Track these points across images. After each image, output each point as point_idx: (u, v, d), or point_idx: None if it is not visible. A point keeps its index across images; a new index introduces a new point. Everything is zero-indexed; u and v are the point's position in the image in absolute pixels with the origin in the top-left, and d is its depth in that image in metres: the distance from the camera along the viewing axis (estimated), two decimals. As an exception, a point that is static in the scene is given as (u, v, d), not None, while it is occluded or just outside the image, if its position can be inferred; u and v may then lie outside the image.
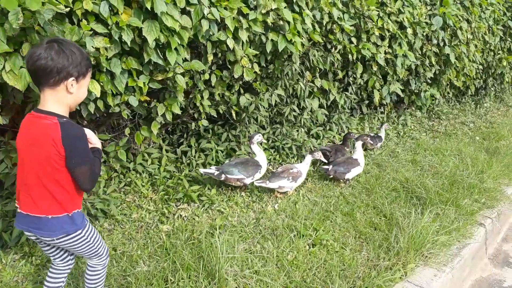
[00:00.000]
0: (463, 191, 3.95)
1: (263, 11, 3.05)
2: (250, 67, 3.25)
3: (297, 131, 4.47)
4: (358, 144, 4.12)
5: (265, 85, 3.81)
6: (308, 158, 3.72)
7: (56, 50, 1.60)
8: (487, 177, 4.26)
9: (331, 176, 3.92)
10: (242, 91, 3.71)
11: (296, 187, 3.83)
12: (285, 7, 3.18)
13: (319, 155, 3.74)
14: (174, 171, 3.79)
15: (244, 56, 3.17)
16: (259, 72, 3.37)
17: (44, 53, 1.58)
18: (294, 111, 4.25)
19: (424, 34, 4.92)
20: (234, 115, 3.68)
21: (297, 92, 4.01)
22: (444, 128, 6.28)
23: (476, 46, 6.31)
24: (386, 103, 5.59)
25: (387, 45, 4.58)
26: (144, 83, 2.80)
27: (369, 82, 4.69)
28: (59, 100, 1.66)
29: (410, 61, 4.69)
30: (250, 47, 3.31)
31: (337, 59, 4.21)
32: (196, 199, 3.44)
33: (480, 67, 6.85)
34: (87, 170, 1.71)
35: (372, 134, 4.91)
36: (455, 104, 7.62)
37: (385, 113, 5.72)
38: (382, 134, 4.93)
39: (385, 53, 4.61)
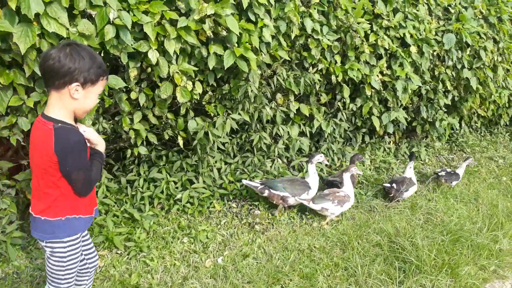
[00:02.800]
0: (468, 252, 3.05)
1: (196, 17, 2.39)
2: (186, 86, 2.60)
3: (272, 161, 3.74)
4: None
5: (223, 107, 3.13)
6: (347, 177, 3.32)
7: (65, 52, 1.56)
8: (503, 235, 3.32)
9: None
10: (193, 113, 3.06)
11: (257, 235, 3.11)
12: (230, 14, 2.50)
13: (355, 170, 3.38)
14: (112, 205, 3.17)
15: (177, 72, 2.51)
16: (198, 92, 2.70)
17: (54, 54, 1.55)
18: (266, 138, 3.53)
19: (435, 53, 4.06)
20: (180, 142, 3.02)
21: (262, 118, 3.29)
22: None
23: (508, 70, 5.32)
24: (392, 132, 4.73)
25: (385, 65, 3.78)
26: (36, 102, 2.21)
27: (364, 108, 3.88)
28: (63, 104, 1.61)
29: (415, 85, 3.85)
30: (190, 62, 2.66)
31: (318, 80, 3.46)
32: (120, 244, 2.79)
33: (514, 94, 5.81)
34: (81, 176, 1.65)
35: (448, 170, 4.19)
36: (485, 135, 6.56)
37: (391, 143, 4.85)
38: (461, 171, 4.20)
39: (383, 74, 3.80)
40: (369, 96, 3.83)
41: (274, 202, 3.29)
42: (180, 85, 2.54)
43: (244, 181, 3.22)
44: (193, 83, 2.66)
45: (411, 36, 3.78)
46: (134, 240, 2.84)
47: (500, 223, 3.48)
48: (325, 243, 3.10)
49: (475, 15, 4.35)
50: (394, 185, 3.68)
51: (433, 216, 3.56)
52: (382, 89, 3.80)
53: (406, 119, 4.76)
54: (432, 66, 4.22)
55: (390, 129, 4.29)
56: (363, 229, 3.28)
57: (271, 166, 3.64)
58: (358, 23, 3.39)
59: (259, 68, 3.00)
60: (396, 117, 4.06)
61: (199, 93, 2.73)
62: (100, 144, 1.79)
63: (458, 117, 5.24)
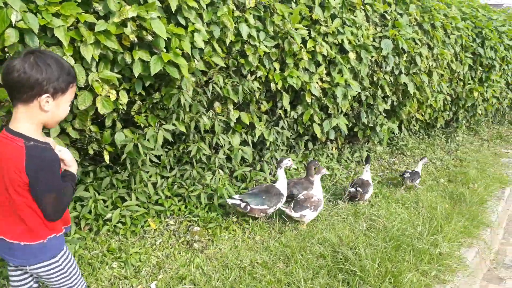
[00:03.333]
0: (410, 258, 3.03)
1: (117, 20, 2.16)
2: (109, 95, 2.35)
3: (213, 173, 3.55)
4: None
5: (156, 118, 2.91)
6: (317, 180, 3.40)
7: (30, 62, 1.43)
8: (443, 238, 3.34)
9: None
10: (120, 125, 2.80)
11: (196, 253, 2.90)
12: (157, 17, 2.29)
13: (325, 171, 3.48)
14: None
15: (97, 80, 2.26)
16: (124, 102, 2.46)
17: (18, 65, 1.42)
18: (205, 149, 3.33)
19: (373, 59, 4.08)
20: (106, 157, 2.75)
21: (199, 127, 3.09)
22: (406, 166, 5.39)
23: (442, 75, 5.51)
24: (334, 138, 4.71)
25: (325, 72, 3.72)
26: None
27: (305, 115, 3.80)
28: (31, 117, 1.48)
29: (354, 91, 3.83)
30: (113, 69, 2.42)
31: (258, 88, 3.33)
32: None
33: (449, 98, 6.04)
34: (53, 198, 1.51)
35: (409, 170, 4.40)
36: (423, 138, 6.77)
37: (333, 149, 4.83)
38: (419, 169, 4.45)
39: (322, 81, 3.74)
40: (309, 103, 3.75)
41: (255, 216, 3.26)
42: (101, 94, 2.29)
43: (229, 200, 3.15)
44: (118, 92, 2.42)
45: (350, 42, 3.75)
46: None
47: (439, 226, 3.52)
48: (268, 257, 2.95)
49: (410, 21, 4.44)
50: (358, 188, 3.79)
51: (376, 222, 3.53)
52: (322, 96, 3.73)
53: (347, 125, 4.77)
54: (371, 72, 4.24)
55: (332, 136, 4.26)
56: (307, 239, 3.18)
57: (211, 179, 3.44)
58: (296, 29, 3.30)
59: (193, 75, 2.81)
60: (337, 124, 4.02)
61: (125, 103, 2.49)
62: (73, 166, 1.68)
63: (398, 121, 5.34)
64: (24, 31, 1.94)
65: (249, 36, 2.97)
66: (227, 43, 2.82)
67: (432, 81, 5.02)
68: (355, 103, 4.47)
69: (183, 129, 2.99)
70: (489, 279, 3.48)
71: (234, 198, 3.17)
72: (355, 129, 4.92)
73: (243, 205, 3.15)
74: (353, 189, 3.81)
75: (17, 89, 1.44)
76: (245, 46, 2.99)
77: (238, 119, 3.44)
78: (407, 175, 4.34)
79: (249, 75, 3.20)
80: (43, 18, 1.99)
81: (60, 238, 1.67)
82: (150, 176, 3.30)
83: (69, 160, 1.65)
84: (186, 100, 2.73)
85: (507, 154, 6.76)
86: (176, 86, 2.78)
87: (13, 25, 1.89)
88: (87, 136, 2.69)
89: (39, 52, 1.47)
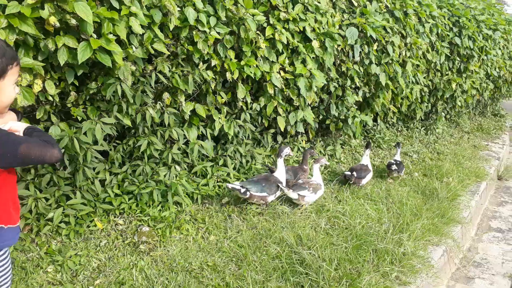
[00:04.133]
0: (372, 259, 2.86)
1: (31, 2, 1.93)
2: (33, 85, 2.13)
3: (169, 168, 3.34)
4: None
5: (96, 110, 2.68)
6: (316, 168, 3.56)
7: None
8: (409, 236, 3.17)
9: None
10: (56, 119, 2.58)
11: (141, 256, 2.70)
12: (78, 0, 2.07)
13: (324, 161, 3.63)
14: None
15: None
16: (52, 94, 2.23)
17: None
18: (156, 144, 3.12)
19: (339, 48, 3.88)
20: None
21: (146, 120, 2.87)
22: (381, 160, 5.23)
23: (418, 65, 5.33)
24: (304, 131, 4.52)
25: (287, 62, 3.52)
26: None
27: (268, 107, 3.60)
28: None
29: (319, 82, 3.63)
30: (37, 57, 2.19)
31: (213, 78, 3.12)
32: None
33: (426, 89, 5.87)
34: (26, 146, 1.42)
35: (392, 161, 4.35)
36: (402, 130, 6.61)
37: (304, 142, 4.63)
38: (398, 157, 4.43)
39: (285, 71, 3.54)
40: (272, 95, 3.55)
41: (254, 202, 3.27)
42: (20, 84, 2.06)
43: (229, 185, 3.15)
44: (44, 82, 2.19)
45: (314, 30, 3.55)
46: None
47: (405, 223, 3.35)
48: (220, 259, 2.75)
49: (380, 8, 4.24)
50: (354, 173, 3.90)
51: (339, 219, 3.35)
52: (284, 87, 3.53)
53: (317, 117, 4.58)
54: (339, 62, 4.05)
55: (300, 129, 4.06)
56: (264, 239, 2.99)
57: (165, 175, 3.23)
58: (253, 15, 3.08)
59: (135, 63, 2.59)
60: (303, 117, 3.82)
61: (53, 94, 2.27)
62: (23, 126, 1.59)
63: (372, 113, 5.16)
64: None
65: (198, 21, 2.75)
66: (171, 28, 2.59)
67: (406, 71, 4.84)
68: (324, 94, 4.27)
69: (127, 122, 2.77)
70: (457, 278, 3.33)
71: (234, 184, 3.17)
72: (327, 122, 4.73)
73: (243, 190, 3.14)
74: (348, 173, 3.92)
75: None
76: (193, 32, 2.77)
77: (193, 111, 3.23)
78: (394, 167, 4.27)
79: (201, 63, 2.98)
80: None
81: (14, 230, 1.62)
82: (98, 173, 3.08)
83: (19, 126, 1.57)
84: (124, 90, 2.51)
85: (486, 147, 6.63)
86: (116, 76, 2.55)
87: None
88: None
89: None
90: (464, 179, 4.70)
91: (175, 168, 3.36)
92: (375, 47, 4.18)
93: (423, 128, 6.82)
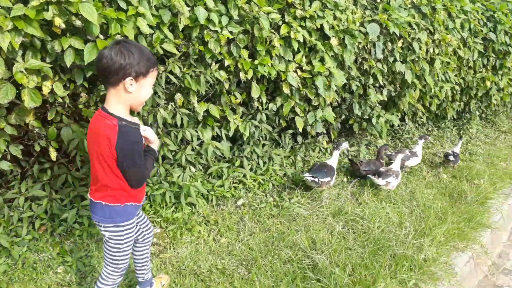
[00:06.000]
0: (389, 265, 2.71)
1: (36, 4, 1.94)
2: (42, 87, 2.14)
3: (184, 170, 3.31)
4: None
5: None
6: (399, 158, 3.90)
7: (115, 50, 1.64)
8: (431, 241, 2.99)
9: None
10: (67, 120, 2.59)
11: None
12: (86, 0, 2.06)
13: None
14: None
15: (21, 71, 2.05)
16: (61, 96, 2.24)
17: (107, 53, 1.64)
18: (169, 145, 3.09)
19: (360, 46, 3.72)
20: (52, 154, 2.55)
21: (157, 120, 2.85)
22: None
23: (448, 63, 5.06)
24: (326, 132, 4.39)
25: (305, 60, 3.40)
26: None
27: (284, 107, 3.50)
28: (120, 99, 1.71)
29: (339, 81, 3.49)
30: (45, 59, 2.20)
31: (227, 78, 3.06)
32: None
33: (457, 87, 5.57)
34: (136, 172, 1.75)
35: (450, 152, 4.56)
36: (432, 130, 6.32)
37: (325, 142, 4.49)
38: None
39: (302, 70, 3.43)
40: (288, 95, 3.45)
41: (323, 188, 3.60)
42: (27, 86, 2.08)
43: (307, 177, 3.47)
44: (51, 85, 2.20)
45: (332, 27, 3.42)
46: None
47: (427, 227, 3.17)
48: (230, 262, 2.69)
49: (405, 4, 4.04)
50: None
51: (358, 223, 3.21)
52: (301, 86, 3.42)
53: (339, 116, 4.44)
54: (360, 59, 3.89)
55: (320, 129, 3.93)
56: (277, 242, 2.91)
57: (178, 177, 3.21)
58: (268, 13, 3.00)
59: (143, 65, 2.56)
60: (322, 116, 3.69)
61: (63, 95, 2.28)
62: (155, 143, 1.92)
63: (399, 113, 4.95)
64: None
65: (209, 20, 2.69)
66: (181, 28, 2.55)
67: (434, 69, 4.60)
68: (345, 93, 4.13)
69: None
70: (484, 286, 3.11)
71: (306, 176, 3.47)
72: (350, 122, 4.58)
73: (316, 180, 3.45)
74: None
75: (106, 74, 1.65)
76: (204, 32, 2.72)
77: (208, 112, 3.18)
78: (452, 158, 4.44)
79: (213, 63, 2.93)
80: None
81: (134, 207, 1.88)
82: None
83: (152, 138, 1.89)
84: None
85: (524, 147, 6.23)
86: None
87: None
88: (30, 132, 2.49)
89: (124, 42, 1.68)
90: (496, 181, 4.41)
91: (189, 169, 3.32)
92: (399, 44, 3.99)
93: (455, 128, 6.49)
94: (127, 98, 1.72)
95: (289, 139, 4.17)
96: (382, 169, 3.81)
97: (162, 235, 2.88)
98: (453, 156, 4.45)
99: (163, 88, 2.77)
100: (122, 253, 1.93)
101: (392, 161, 4.19)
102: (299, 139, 4.34)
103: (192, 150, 3.26)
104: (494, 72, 5.85)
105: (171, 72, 2.74)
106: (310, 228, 3.07)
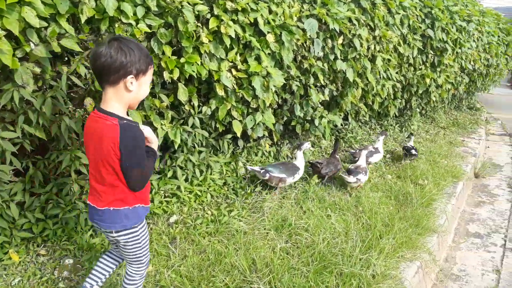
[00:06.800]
0: (336, 284, 2.45)
1: None
2: None
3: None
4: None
5: (0, 121, 2.19)
6: (363, 154, 4.03)
7: (115, 47, 1.56)
8: (379, 253, 2.78)
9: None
10: None
11: None
12: None
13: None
14: None
15: None
16: None
17: (105, 51, 1.55)
18: (80, 158, 2.63)
19: (299, 43, 3.45)
20: None
21: (62, 132, 2.38)
22: (350, 161, 4.84)
23: (389, 60, 4.96)
24: (266, 135, 4.09)
25: (240, 59, 3.07)
26: None
27: (220, 110, 3.15)
28: (119, 98, 1.63)
29: (277, 81, 3.20)
30: None
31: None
32: None
33: (398, 85, 5.51)
34: (138, 173, 1.68)
35: (412, 146, 4.72)
36: (375, 128, 6.25)
37: (267, 146, 4.20)
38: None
39: (237, 70, 3.09)
40: (224, 97, 3.10)
41: (273, 184, 3.47)
42: None
43: (249, 167, 3.43)
44: None
45: (268, 22, 3.11)
46: None
47: (376, 237, 2.96)
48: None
49: (345, -2, 3.83)
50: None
51: (302, 236, 2.93)
52: (237, 87, 3.08)
53: (281, 118, 4.16)
54: (300, 58, 3.62)
55: (260, 133, 3.63)
56: (213, 266, 2.55)
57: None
58: (194, 4, 2.62)
59: (38, 64, 2.10)
60: (263, 119, 3.38)
61: None
62: (155, 143, 1.82)
63: (342, 112, 4.77)
64: None
65: (121, 11, 2.27)
66: (83, 21, 2.11)
67: (376, 67, 4.45)
68: (286, 94, 3.85)
69: (40, 134, 2.28)
70: (433, 297, 2.96)
71: (253, 167, 3.42)
72: (293, 123, 4.31)
73: (262, 171, 3.36)
74: (353, 151, 4.59)
75: (105, 72, 1.56)
76: (116, 25, 2.29)
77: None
78: (414, 152, 4.63)
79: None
80: None
81: (144, 208, 1.81)
82: (15, 194, 2.58)
83: (151, 137, 1.79)
84: (26, 97, 2.02)
85: (463, 143, 6.34)
86: (15, 80, 2.06)
87: None
88: None
89: (121, 38, 1.60)
90: (440, 181, 4.35)
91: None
92: (340, 41, 3.77)
93: (398, 125, 6.48)
94: (127, 97, 1.64)
95: (229, 144, 3.83)
96: (351, 166, 3.87)
97: (74, 267, 2.43)
98: (415, 150, 4.64)
99: (65, 92, 2.31)
100: (143, 250, 1.88)
101: (356, 158, 4.24)
102: (240, 143, 4.01)
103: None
104: (433, 69, 5.87)
105: (76, 73, 2.29)
106: (251, 246, 2.75)
